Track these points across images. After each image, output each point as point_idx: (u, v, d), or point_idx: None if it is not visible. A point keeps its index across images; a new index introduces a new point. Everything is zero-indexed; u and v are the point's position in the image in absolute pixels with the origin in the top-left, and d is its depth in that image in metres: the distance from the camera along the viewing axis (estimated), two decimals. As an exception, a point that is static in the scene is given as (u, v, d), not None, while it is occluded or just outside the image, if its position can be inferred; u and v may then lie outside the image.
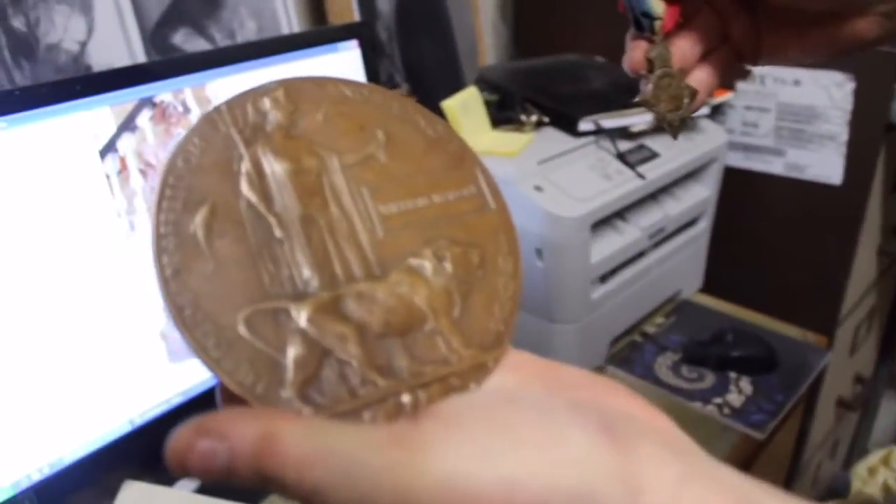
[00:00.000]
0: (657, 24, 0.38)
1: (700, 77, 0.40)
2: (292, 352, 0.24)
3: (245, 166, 0.27)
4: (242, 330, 0.24)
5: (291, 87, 0.29)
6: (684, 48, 0.39)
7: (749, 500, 0.22)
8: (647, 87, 0.39)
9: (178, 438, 0.22)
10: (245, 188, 0.26)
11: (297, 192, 0.27)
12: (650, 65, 0.39)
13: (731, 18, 0.40)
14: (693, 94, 0.40)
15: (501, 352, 0.27)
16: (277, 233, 0.26)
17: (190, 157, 0.26)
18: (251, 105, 0.28)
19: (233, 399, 0.24)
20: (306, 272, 0.26)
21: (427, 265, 0.27)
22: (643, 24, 0.38)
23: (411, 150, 0.30)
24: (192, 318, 0.24)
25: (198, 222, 0.25)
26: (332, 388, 0.24)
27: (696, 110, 0.40)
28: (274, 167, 0.27)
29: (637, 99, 0.39)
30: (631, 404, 0.26)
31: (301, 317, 0.25)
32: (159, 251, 0.24)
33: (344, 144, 0.29)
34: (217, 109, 0.28)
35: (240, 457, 0.22)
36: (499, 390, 0.26)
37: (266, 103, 0.28)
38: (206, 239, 0.25)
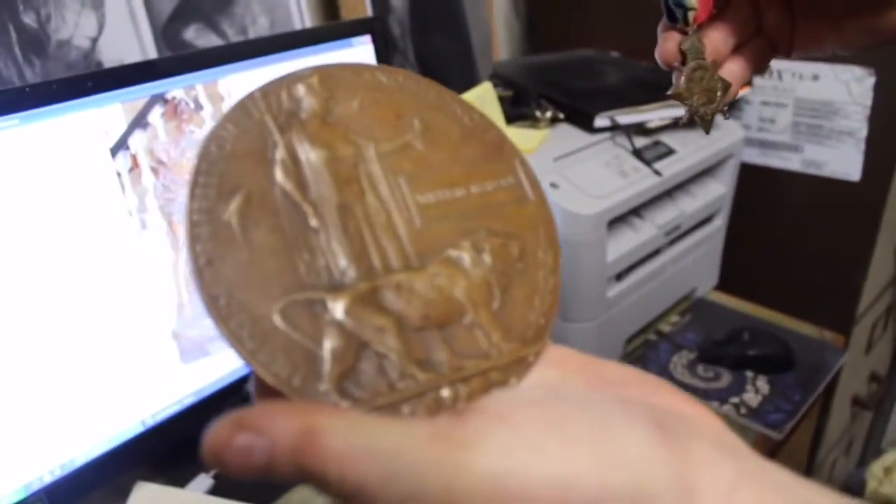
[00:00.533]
0: (691, 14, 0.37)
1: (733, 70, 0.39)
2: (329, 344, 0.23)
3: (280, 154, 0.26)
4: (278, 321, 0.23)
5: (326, 74, 0.28)
6: (717, 40, 0.38)
7: (804, 500, 0.22)
8: (679, 80, 0.38)
9: (215, 433, 0.21)
10: (280, 176, 0.26)
11: (334, 180, 0.26)
12: (683, 57, 0.38)
13: (765, 9, 0.39)
14: (726, 87, 0.39)
15: (542, 346, 0.26)
16: (313, 222, 0.25)
17: (224, 143, 0.26)
18: (285, 92, 0.28)
19: (267, 392, 0.23)
20: (343, 262, 0.25)
21: (466, 257, 0.27)
22: (676, 14, 0.37)
23: (448, 139, 0.29)
24: (226, 309, 0.23)
25: (232, 210, 0.24)
26: (370, 382, 0.23)
27: (728, 103, 0.39)
28: (309, 155, 0.26)
29: (669, 92, 0.38)
30: (678, 402, 0.25)
31: (338, 308, 0.24)
32: (193, 239, 0.23)
33: (380, 132, 0.28)
34: (251, 96, 0.27)
35: (280, 453, 0.21)
36: (541, 386, 0.25)
37: (300, 90, 0.28)
38: (240, 227, 0.24)
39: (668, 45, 0.38)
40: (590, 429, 0.22)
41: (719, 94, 0.38)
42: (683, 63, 0.38)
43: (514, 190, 0.29)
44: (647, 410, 0.23)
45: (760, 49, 0.40)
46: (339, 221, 0.26)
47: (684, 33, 0.37)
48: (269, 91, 0.27)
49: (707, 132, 0.39)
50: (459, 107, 0.30)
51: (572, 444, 0.21)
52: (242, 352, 0.23)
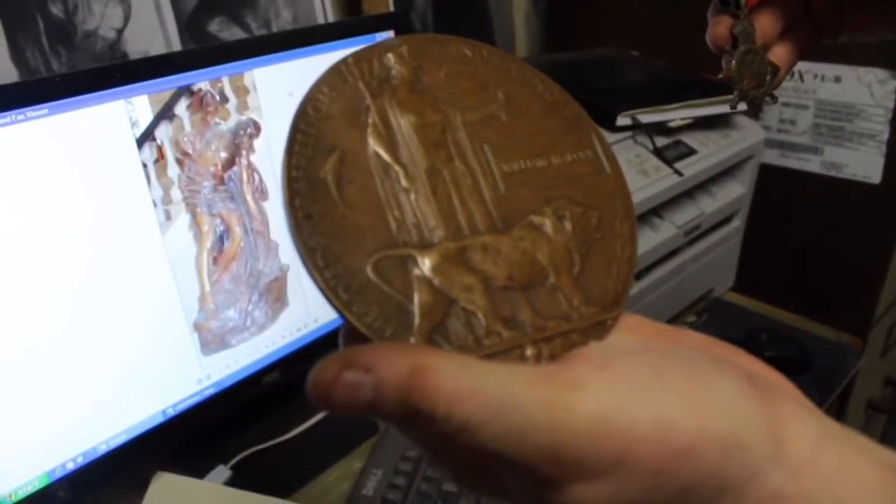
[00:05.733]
0: None
1: (780, 53, 0.39)
2: (419, 298, 0.25)
3: (372, 117, 0.27)
4: (371, 274, 0.24)
5: (415, 44, 0.30)
6: (766, 24, 0.38)
7: (887, 462, 0.23)
8: (730, 64, 0.38)
9: (323, 370, 0.22)
10: (372, 138, 0.27)
11: (423, 144, 0.28)
12: (734, 40, 0.38)
13: None
14: (775, 71, 0.39)
15: (620, 312, 0.27)
16: (404, 182, 0.26)
17: (319, 105, 0.27)
18: (377, 59, 0.29)
19: (356, 343, 0.23)
20: (432, 221, 0.26)
21: (548, 223, 0.28)
22: None
23: (530, 111, 0.30)
24: (323, 261, 0.24)
25: (328, 168, 0.26)
26: (457, 337, 0.24)
27: (776, 87, 0.39)
28: (399, 119, 0.28)
29: (720, 76, 0.39)
30: (759, 366, 0.26)
31: (427, 265, 0.25)
32: (291, 194, 0.25)
33: (466, 102, 0.29)
34: (344, 62, 0.28)
35: (387, 390, 0.21)
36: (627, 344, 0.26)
37: (391, 59, 0.29)
38: (335, 184, 0.25)
39: (719, 28, 0.38)
40: (686, 377, 0.23)
41: (768, 77, 0.39)
42: (734, 47, 0.38)
43: (593, 162, 0.30)
44: (736, 366, 0.24)
45: (808, 32, 0.40)
46: (428, 183, 0.27)
47: (735, 17, 0.38)
48: (361, 58, 0.29)
49: (755, 117, 0.40)
50: (540, 82, 0.31)
51: (671, 390, 0.22)
52: (337, 302, 0.24)
